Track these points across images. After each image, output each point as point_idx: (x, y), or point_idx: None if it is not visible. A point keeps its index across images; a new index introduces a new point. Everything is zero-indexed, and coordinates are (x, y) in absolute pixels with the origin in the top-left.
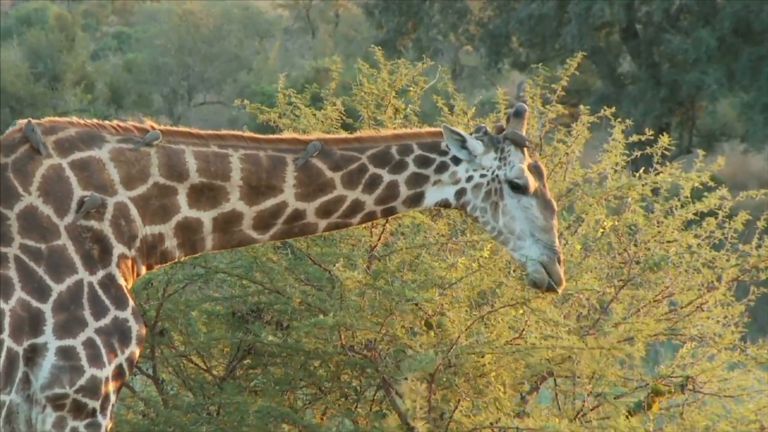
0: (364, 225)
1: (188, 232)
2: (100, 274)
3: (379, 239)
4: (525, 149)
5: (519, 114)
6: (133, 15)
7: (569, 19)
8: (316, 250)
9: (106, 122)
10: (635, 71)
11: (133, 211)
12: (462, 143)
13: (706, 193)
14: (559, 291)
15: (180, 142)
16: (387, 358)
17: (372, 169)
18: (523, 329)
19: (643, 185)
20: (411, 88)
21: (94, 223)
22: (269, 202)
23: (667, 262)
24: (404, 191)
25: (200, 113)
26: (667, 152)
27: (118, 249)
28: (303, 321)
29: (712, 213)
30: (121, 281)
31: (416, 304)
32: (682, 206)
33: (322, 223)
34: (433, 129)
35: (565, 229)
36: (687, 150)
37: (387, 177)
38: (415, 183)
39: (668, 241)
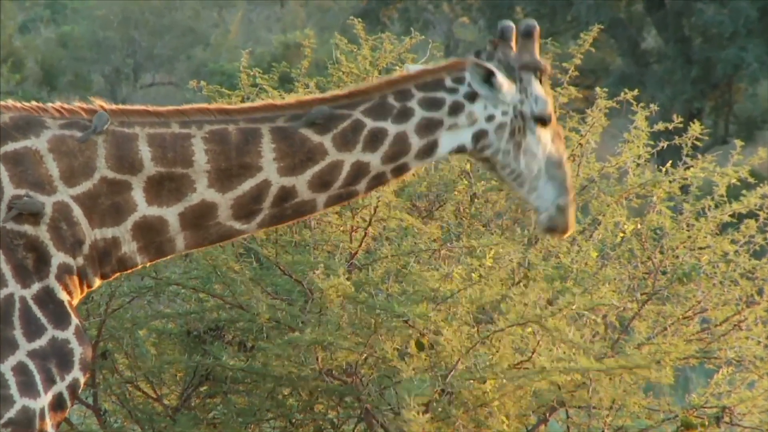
0: (343, 230)
1: (150, 234)
2: (36, 287)
3: (360, 245)
4: (540, 74)
5: (528, 33)
6: None
7: None
8: (286, 258)
9: (49, 104)
10: (661, 47)
11: (77, 212)
12: (486, 77)
13: (744, 191)
14: (570, 232)
15: (134, 124)
16: (370, 384)
17: (371, 124)
18: (533, 351)
19: (670, 182)
20: (397, 67)
21: (27, 228)
22: (247, 185)
23: (698, 272)
24: (416, 142)
25: (148, 96)
26: (698, 143)
27: (59, 258)
28: (271, 341)
29: (751, 214)
30: (62, 296)
31: (405, 321)
32: (716, 206)
33: (321, 198)
34: (431, 66)
35: (579, 234)
36: (722, 140)
37: (392, 129)
38: (428, 130)
39: (700, 248)
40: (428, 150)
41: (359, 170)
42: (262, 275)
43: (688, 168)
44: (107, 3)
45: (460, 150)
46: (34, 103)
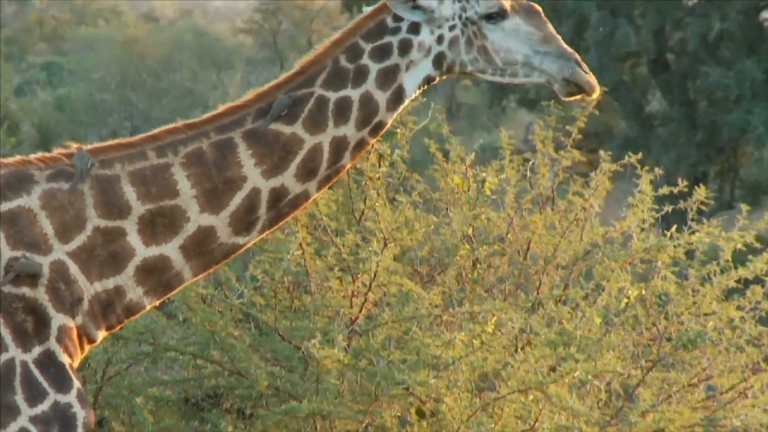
0: (343, 295)
1: (155, 275)
2: (36, 351)
3: (361, 310)
4: None
5: None
6: (65, 42)
7: (587, 47)
8: (285, 324)
9: (32, 156)
10: (666, 110)
11: (74, 269)
12: (413, 3)
13: (750, 257)
14: (596, 93)
15: (113, 162)
16: None
17: (333, 96)
18: (536, 419)
19: (675, 247)
20: (398, 130)
21: (26, 290)
22: (237, 198)
23: (704, 338)
24: (382, 97)
25: None
26: (704, 207)
27: (58, 319)
28: (270, 409)
29: (757, 280)
30: (63, 358)
31: (406, 389)
32: (722, 272)
33: (312, 186)
34: (366, 12)
35: (583, 300)
36: (728, 205)
37: (355, 94)
38: (388, 80)
39: (705, 314)
40: (396, 98)
41: (339, 146)
42: (261, 341)
43: (693, 233)
44: (104, 65)
45: (429, 81)
46: (18, 156)
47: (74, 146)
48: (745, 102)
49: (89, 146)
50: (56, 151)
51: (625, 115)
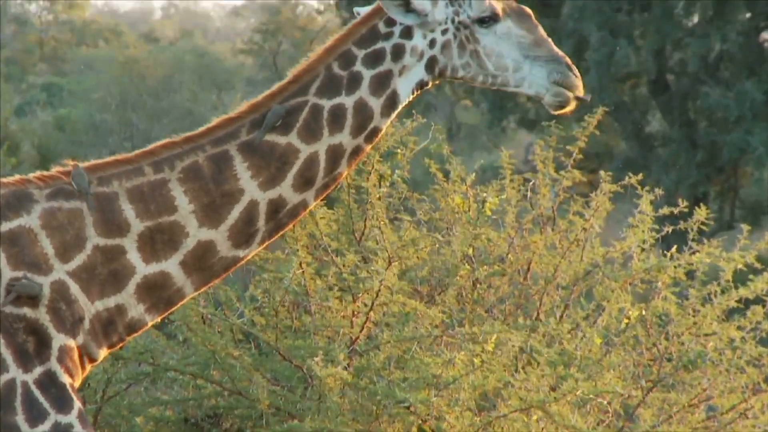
0: (343, 315)
1: (156, 292)
2: (37, 371)
3: (361, 330)
4: None
5: None
6: (65, 63)
7: (587, 68)
8: (285, 343)
9: (30, 175)
10: (666, 131)
11: (74, 289)
12: (406, 7)
13: (751, 277)
14: (587, 97)
15: (111, 179)
16: None
17: (327, 104)
18: None
19: (675, 267)
20: (398, 151)
21: (26, 311)
22: (236, 211)
23: (704, 359)
24: (376, 103)
25: None
26: (704, 227)
27: (59, 340)
28: (271, 428)
29: (758, 300)
30: (64, 378)
31: (407, 407)
32: (722, 292)
33: (310, 195)
34: (359, 18)
35: (583, 320)
36: (728, 225)
37: (349, 101)
38: (382, 86)
39: (706, 334)
40: (391, 103)
41: (335, 154)
42: (262, 361)
43: (693, 253)
44: (104, 85)
45: (422, 85)
46: (17, 176)
47: (71, 163)
48: (745, 123)
49: (86, 163)
50: (55, 170)
51: (626, 136)
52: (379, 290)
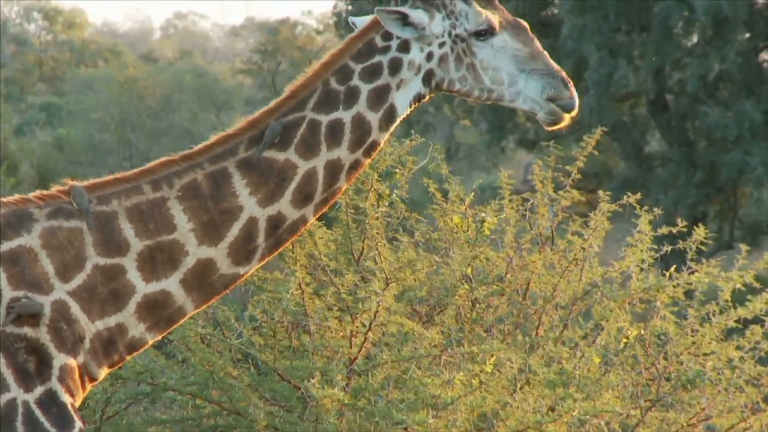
0: (342, 335)
1: (157, 310)
2: (38, 391)
3: (360, 351)
4: None
5: None
6: (64, 83)
7: (586, 88)
8: (284, 363)
9: (30, 194)
10: (665, 151)
11: (75, 308)
12: (403, 21)
13: (750, 297)
14: (575, 110)
15: (110, 198)
16: None
17: (325, 119)
18: None
19: (674, 286)
20: (397, 170)
21: (27, 330)
22: (235, 229)
23: (703, 378)
24: (374, 117)
25: None
26: (703, 247)
27: (60, 359)
28: None
29: (757, 320)
30: (65, 398)
31: (405, 428)
32: (721, 312)
33: (309, 210)
34: (355, 32)
35: (582, 339)
36: (727, 245)
37: (347, 116)
38: (380, 100)
39: (705, 354)
40: (389, 117)
41: (333, 169)
42: (260, 381)
43: (692, 273)
44: (103, 105)
45: (419, 99)
46: (16, 195)
47: (71, 182)
48: (744, 142)
49: (85, 182)
50: (54, 189)
51: (625, 156)
52: (377, 311)
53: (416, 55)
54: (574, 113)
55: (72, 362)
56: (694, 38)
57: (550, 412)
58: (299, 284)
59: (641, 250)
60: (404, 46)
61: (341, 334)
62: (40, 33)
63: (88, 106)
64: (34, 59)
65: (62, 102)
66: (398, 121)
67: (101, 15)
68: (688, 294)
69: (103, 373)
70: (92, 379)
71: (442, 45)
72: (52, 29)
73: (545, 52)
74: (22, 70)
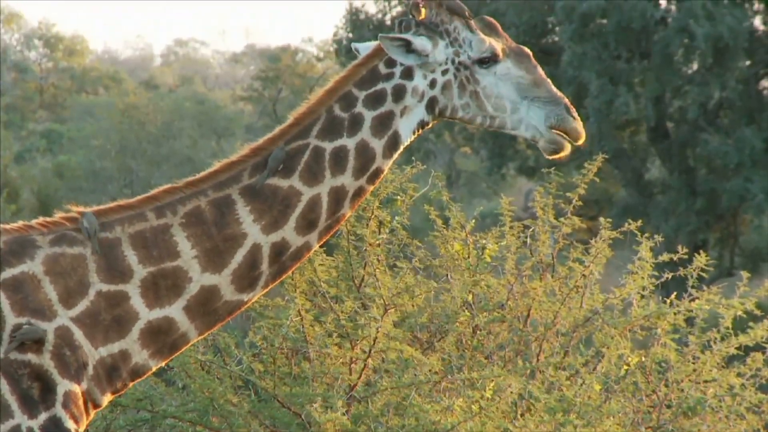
0: (342, 361)
1: (160, 337)
2: (42, 417)
3: (360, 377)
4: (464, 17)
5: None
6: (65, 110)
7: (587, 115)
8: (284, 390)
9: (33, 221)
10: (666, 178)
11: (78, 335)
12: (407, 48)
13: (751, 324)
14: (582, 140)
15: (114, 225)
16: None
17: (329, 146)
18: None
19: (675, 314)
20: (398, 197)
21: (31, 357)
22: (239, 255)
23: (704, 405)
24: (378, 145)
25: None
26: (703, 274)
27: (64, 386)
28: None
29: (758, 347)
30: (69, 425)
31: None
32: (722, 339)
33: (313, 237)
34: (359, 59)
35: (582, 366)
36: (728, 272)
37: (351, 143)
38: (383, 127)
39: (706, 381)
40: (392, 144)
41: (337, 195)
42: (260, 408)
43: (693, 300)
44: (104, 132)
45: (423, 126)
46: (20, 222)
47: (75, 209)
48: (744, 170)
49: (91, 208)
50: (57, 216)
51: (625, 183)
52: (376, 337)
53: (419, 82)
54: (580, 142)
55: (76, 388)
56: (695, 66)
57: None
58: (299, 311)
59: (642, 277)
60: (408, 73)
61: (341, 360)
62: (40, 60)
63: (88, 133)
64: (34, 86)
65: (63, 129)
66: (402, 148)
67: (102, 42)
68: (689, 321)
69: (107, 399)
70: (96, 405)
71: (445, 72)
72: (53, 56)
73: (548, 80)
74: (23, 97)
